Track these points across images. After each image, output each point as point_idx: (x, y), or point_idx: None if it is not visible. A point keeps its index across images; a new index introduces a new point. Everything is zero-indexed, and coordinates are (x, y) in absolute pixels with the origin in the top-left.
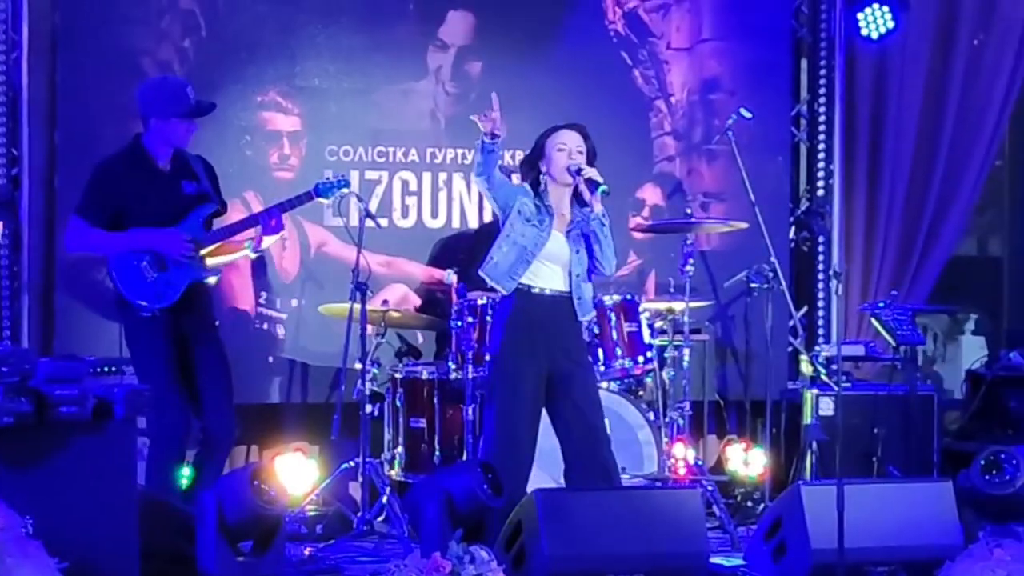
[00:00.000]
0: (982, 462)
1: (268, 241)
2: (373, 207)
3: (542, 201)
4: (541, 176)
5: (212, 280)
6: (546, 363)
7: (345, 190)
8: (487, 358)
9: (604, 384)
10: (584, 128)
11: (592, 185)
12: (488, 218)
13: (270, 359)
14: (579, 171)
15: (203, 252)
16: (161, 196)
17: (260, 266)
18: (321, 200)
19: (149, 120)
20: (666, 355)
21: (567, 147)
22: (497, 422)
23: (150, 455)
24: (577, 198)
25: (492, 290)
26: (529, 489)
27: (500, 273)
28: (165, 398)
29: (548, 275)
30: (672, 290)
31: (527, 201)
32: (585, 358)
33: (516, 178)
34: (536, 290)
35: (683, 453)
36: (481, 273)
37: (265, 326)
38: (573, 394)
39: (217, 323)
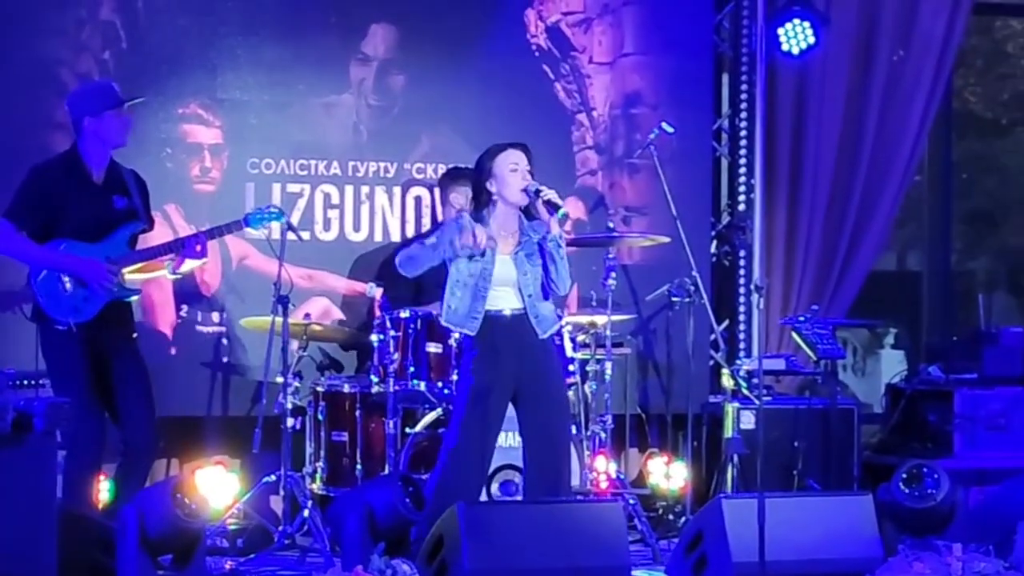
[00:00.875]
0: (904, 475)
1: (188, 265)
2: (295, 220)
3: (489, 224)
4: (492, 198)
5: (133, 298)
6: (512, 381)
7: (276, 223)
8: (455, 379)
9: None
10: (527, 147)
11: (551, 208)
12: (411, 232)
13: (191, 372)
14: (538, 192)
15: (125, 271)
16: (92, 209)
17: (181, 280)
18: (249, 231)
19: (82, 122)
20: (588, 369)
21: (519, 167)
22: (453, 434)
23: (66, 467)
24: (526, 215)
25: (415, 305)
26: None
27: (461, 317)
28: (81, 409)
29: (501, 297)
30: (594, 304)
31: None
32: (553, 373)
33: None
34: (493, 312)
35: (605, 467)
36: (444, 323)
37: (186, 339)
38: (538, 410)
39: (135, 335)
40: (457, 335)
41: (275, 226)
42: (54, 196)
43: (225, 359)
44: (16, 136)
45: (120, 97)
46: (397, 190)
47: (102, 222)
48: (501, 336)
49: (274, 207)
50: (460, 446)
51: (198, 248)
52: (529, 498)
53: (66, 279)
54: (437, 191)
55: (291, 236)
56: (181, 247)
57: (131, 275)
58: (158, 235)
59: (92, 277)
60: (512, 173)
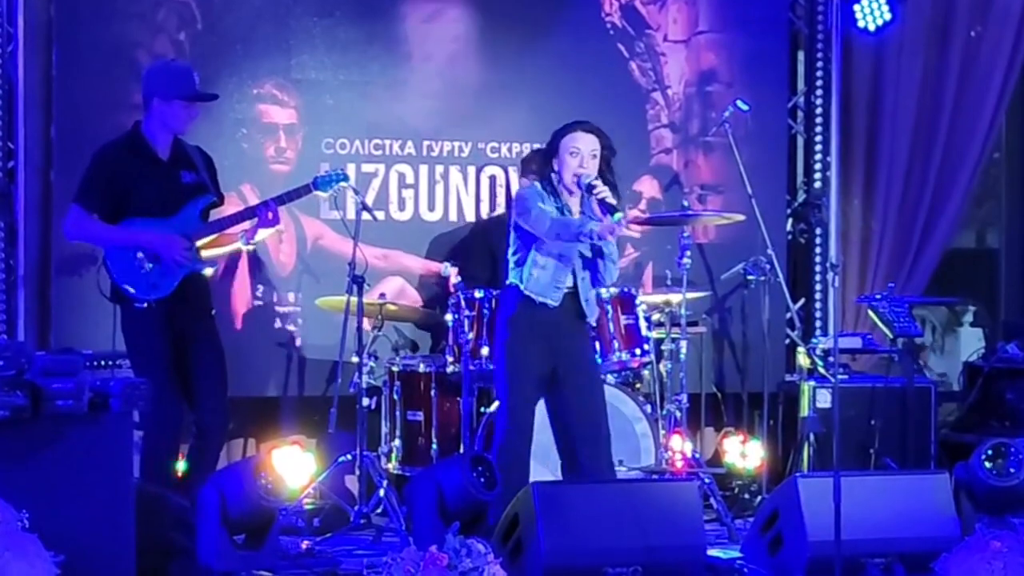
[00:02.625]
0: (988, 452)
1: (262, 234)
2: (370, 200)
3: (559, 202)
4: (553, 175)
5: (208, 271)
6: (550, 361)
7: (343, 184)
8: (484, 352)
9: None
10: (600, 131)
11: (605, 208)
12: (485, 212)
13: (267, 353)
14: (591, 188)
15: (199, 244)
16: (159, 185)
17: (256, 260)
18: (319, 193)
19: (151, 102)
20: (663, 348)
21: (580, 152)
22: (503, 416)
23: (144, 447)
24: (582, 205)
25: (490, 284)
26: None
27: (544, 287)
28: (160, 389)
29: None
30: (669, 283)
31: (550, 208)
32: (590, 356)
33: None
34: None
35: (680, 446)
36: (524, 291)
37: (262, 320)
38: (576, 392)
39: (213, 311)
40: (480, 293)
41: (350, 206)
42: (120, 176)
43: (301, 339)
44: (94, 118)
45: (194, 90)
46: (472, 169)
47: (171, 198)
48: (542, 315)
49: (339, 169)
50: (508, 423)
51: (269, 215)
52: (575, 477)
53: (140, 256)
54: (514, 173)
55: (366, 216)
56: (252, 215)
57: (207, 252)
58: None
59: (166, 250)
60: (571, 156)
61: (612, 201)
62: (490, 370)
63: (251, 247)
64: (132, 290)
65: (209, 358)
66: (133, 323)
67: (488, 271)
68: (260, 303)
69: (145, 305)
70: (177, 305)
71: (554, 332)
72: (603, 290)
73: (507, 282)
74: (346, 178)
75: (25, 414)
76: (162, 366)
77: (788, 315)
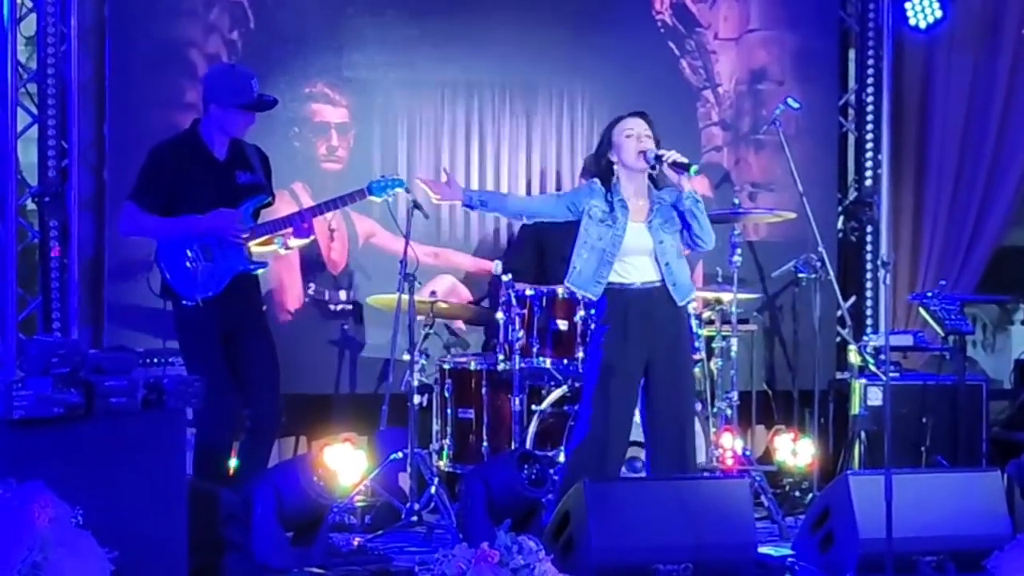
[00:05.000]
0: None
1: (297, 242)
2: (420, 199)
3: (613, 196)
4: (614, 167)
5: (259, 272)
6: (643, 355)
7: (399, 190)
8: (580, 356)
9: None
10: (647, 115)
11: (680, 168)
12: None
13: (318, 350)
14: (659, 157)
15: (250, 243)
16: (214, 185)
17: (308, 257)
18: (373, 199)
19: (209, 106)
20: (714, 345)
21: (634, 132)
22: (585, 413)
23: (198, 444)
24: (653, 183)
25: (537, 281)
26: None
27: (585, 280)
28: (213, 386)
29: (636, 269)
30: (720, 280)
31: (596, 202)
32: (684, 346)
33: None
34: (625, 284)
35: (731, 443)
36: (567, 284)
37: (313, 317)
38: (667, 386)
39: (264, 308)
40: (531, 291)
41: (401, 204)
42: (175, 174)
43: (352, 337)
44: (147, 116)
45: (252, 99)
46: (523, 166)
47: (226, 197)
48: (633, 310)
49: (394, 174)
50: (593, 425)
51: (305, 226)
52: (655, 475)
53: (191, 255)
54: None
55: (417, 214)
56: (288, 224)
57: (256, 250)
58: (284, 212)
59: (223, 229)
60: (627, 139)
61: (683, 159)
62: (540, 368)
63: (287, 252)
64: (182, 288)
65: (261, 354)
66: (184, 321)
67: (535, 267)
68: (312, 300)
69: (195, 303)
70: (228, 303)
71: (645, 327)
72: None
73: None
74: (402, 184)
75: (79, 411)
76: (214, 363)
77: (839, 313)
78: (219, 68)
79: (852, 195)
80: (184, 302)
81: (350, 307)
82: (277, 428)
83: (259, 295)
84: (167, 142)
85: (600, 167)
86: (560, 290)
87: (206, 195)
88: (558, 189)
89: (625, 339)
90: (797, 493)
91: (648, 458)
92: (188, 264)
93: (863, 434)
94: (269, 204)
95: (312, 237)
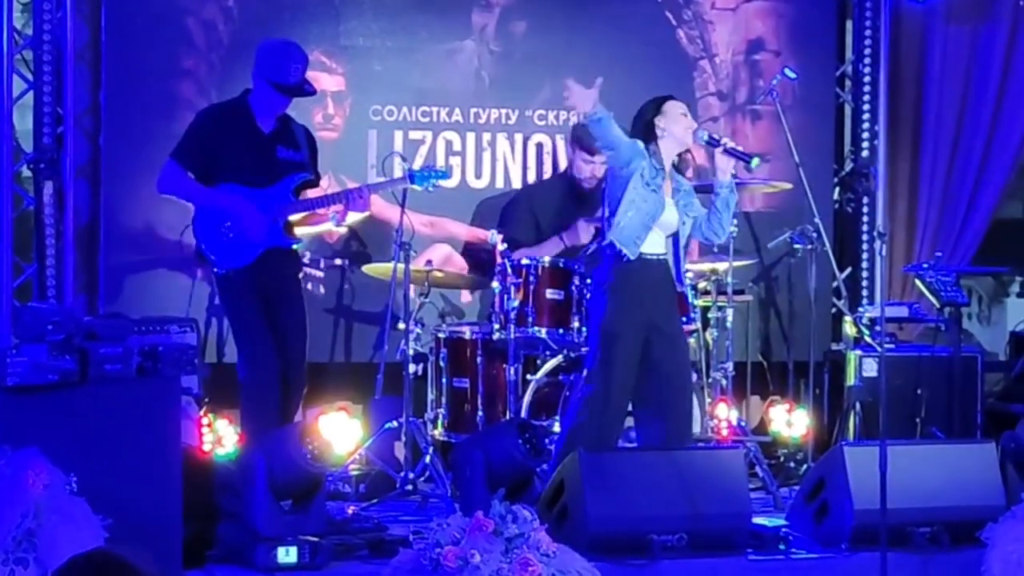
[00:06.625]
0: None
1: (353, 217)
2: (417, 167)
3: (659, 163)
4: (658, 131)
5: (295, 247)
6: (645, 327)
7: (442, 182)
8: (576, 326)
9: None
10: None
11: (743, 156)
12: (532, 179)
13: (313, 318)
14: (717, 142)
15: (291, 219)
16: (255, 155)
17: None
18: (414, 187)
19: (255, 79)
20: (709, 316)
21: (688, 115)
22: (590, 380)
23: (244, 408)
24: (674, 167)
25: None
26: None
27: (627, 238)
28: (255, 350)
29: (653, 240)
30: (715, 251)
31: (646, 164)
32: (679, 324)
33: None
34: (643, 255)
35: (726, 414)
36: (610, 236)
37: (309, 286)
38: (666, 360)
39: (300, 275)
40: (527, 260)
41: (398, 172)
42: (217, 139)
43: (347, 306)
44: (143, 84)
45: (285, 83)
46: (519, 137)
47: (265, 169)
48: (645, 281)
49: (442, 168)
50: (596, 392)
51: (361, 201)
52: (652, 445)
53: (228, 224)
54: (561, 141)
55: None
56: (343, 199)
57: (300, 229)
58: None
59: (247, 223)
60: (683, 116)
61: (740, 148)
62: (535, 337)
63: (341, 228)
64: (213, 256)
65: (292, 325)
66: (222, 288)
67: (532, 236)
68: (307, 269)
69: (224, 272)
70: (261, 272)
71: (650, 300)
72: None
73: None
74: (445, 175)
75: (73, 378)
76: (255, 328)
77: (835, 284)
78: (269, 43)
79: (848, 166)
80: (214, 268)
81: (346, 276)
82: (303, 389)
83: (295, 267)
84: (215, 106)
85: (644, 129)
86: (546, 260)
87: (246, 163)
88: (554, 158)
89: (633, 308)
90: (792, 464)
91: (648, 426)
92: (222, 233)
93: (858, 405)
94: (312, 184)
95: (368, 211)
